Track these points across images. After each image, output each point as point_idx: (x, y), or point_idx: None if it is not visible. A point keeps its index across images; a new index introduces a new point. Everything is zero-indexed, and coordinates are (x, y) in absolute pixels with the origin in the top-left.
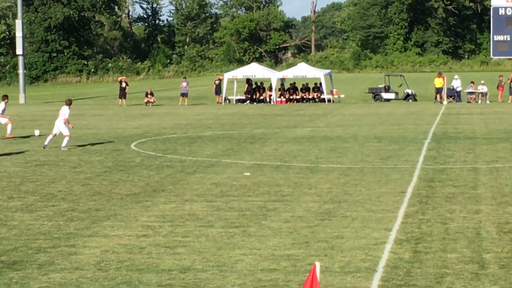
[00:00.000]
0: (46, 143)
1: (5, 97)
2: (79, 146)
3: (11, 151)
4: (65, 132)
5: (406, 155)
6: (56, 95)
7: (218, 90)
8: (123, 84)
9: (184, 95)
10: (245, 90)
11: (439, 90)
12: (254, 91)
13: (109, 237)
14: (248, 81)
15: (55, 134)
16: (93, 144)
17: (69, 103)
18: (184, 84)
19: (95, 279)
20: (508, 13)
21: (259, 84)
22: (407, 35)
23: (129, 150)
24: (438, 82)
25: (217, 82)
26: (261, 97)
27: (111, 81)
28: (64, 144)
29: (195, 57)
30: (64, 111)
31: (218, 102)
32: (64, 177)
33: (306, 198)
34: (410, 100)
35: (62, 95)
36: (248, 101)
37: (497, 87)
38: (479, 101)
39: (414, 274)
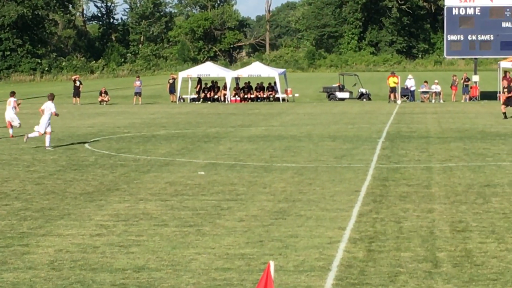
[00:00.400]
0: (27, 136)
1: (12, 93)
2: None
3: None
4: (48, 129)
5: (360, 154)
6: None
7: (172, 89)
8: (77, 83)
9: (137, 94)
10: (197, 89)
11: (393, 90)
12: (209, 89)
13: (62, 237)
14: (199, 80)
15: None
16: (56, 147)
17: (51, 98)
18: (138, 83)
19: (48, 279)
20: (462, 13)
21: (214, 82)
22: (361, 34)
23: (83, 149)
24: (392, 82)
25: (171, 81)
26: (216, 96)
27: (65, 79)
28: (47, 143)
29: (150, 56)
30: (49, 106)
31: (172, 101)
32: (18, 176)
33: (260, 197)
34: (364, 99)
35: (16, 94)
36: (201, 100)
37: (451, 87)
38: (433, 101)
39: (368, 273)
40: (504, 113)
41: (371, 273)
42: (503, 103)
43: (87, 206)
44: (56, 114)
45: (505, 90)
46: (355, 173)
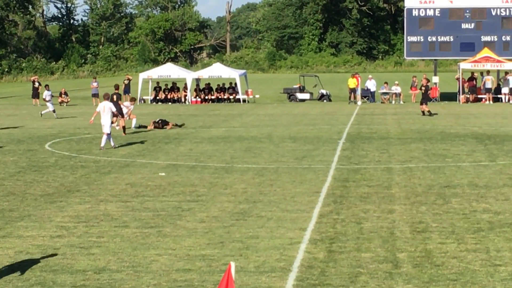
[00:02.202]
0: (102, 144)
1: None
2: None
3: None
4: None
5: (320, 155)
6: None
7: (127, 90)
8: (36, 84)
9: (95, 95)
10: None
11: (352, 90)
12: (170, 91)
13: (23, 238)
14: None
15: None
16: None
17: (107, 97)
18: (95, 84)
19: (8, 280)
20: (422, 14)
21: (174, 83)
22: (322, 35)
23: (43, 150)
24: (352, 83)
25: (126, 81)
26: (176, 97)
27: (25, 80)
28: (112, 143)
29: (110, 57)
30: (109, 105)
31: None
32: None
33: (221, 198)
34: (325, 101)
35: None
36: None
37: (411, 88)
38: (393, 102)
39: (329, 273)
40: (428, 111)
41: (331, 273)
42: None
43: (47, 207)
44: (116, 114)
45: (423, 88)
46: (315, 174)
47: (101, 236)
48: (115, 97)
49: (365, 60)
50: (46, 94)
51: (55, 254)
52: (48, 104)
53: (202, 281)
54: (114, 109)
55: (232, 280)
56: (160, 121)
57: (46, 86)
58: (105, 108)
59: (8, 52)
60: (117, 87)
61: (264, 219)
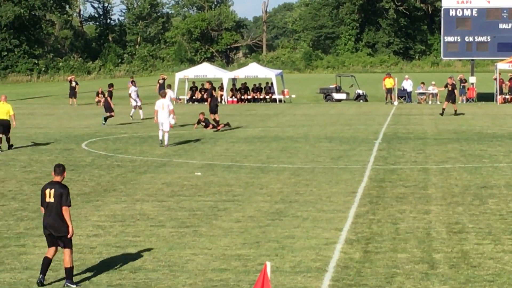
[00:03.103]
0: (166, 143)
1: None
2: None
3: None
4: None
5: (357, 155)
6: (7, 94)
7: (162, 90)
8: (73, 83)
9: (131, 95)
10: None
11: (389, 91)
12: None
13: None
14: (192, 87)
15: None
16: (35, 144)
17: (165, 95)
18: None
19: (45, 279)
20: (459, 14)
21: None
22: (358, 35)
23: (80, 149)
24: (389, 83)
25: (160, 81)
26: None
27: (62, 80)
28: (166, 142)
29: (146, 56)
30: (167, 103)
31: None
32: (14, 176)
33: (257, 198)
34: (361, 101)
35: (12, 94)
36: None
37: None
38: (430, 102)
39: (365, 274)
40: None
41: (367, 274)
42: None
43: (84, 206)
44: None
45: (449, 86)
46: (351, 174)
47: (137, 235)
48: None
49: (402, 60)
50: (132, 90)
51: (92, 253)
52: (132, 100)
53: (237, 280)
54: (171, 107)
55: (268, 280)
56: (206, 120)
57: (133, 82)
58: (163, 105)
59: (45, 52)
60: (111, 85)
61: (300, 219)
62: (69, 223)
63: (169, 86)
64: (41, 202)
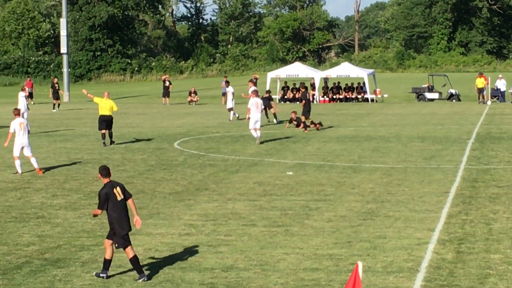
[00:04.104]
0: (258, 142)
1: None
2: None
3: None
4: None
5: (449, 155)
6: (100, 94)
7: (253, 89)
8: (167, 83)
9: (225, 94)
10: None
11: (480, 90)
12: (297, 90)
13: (152, 236)
14: (284, 87)
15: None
16: (137, 140)
17: (257, 94)
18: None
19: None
20: None
21: (302, 83)
22: (451, 34)
23: (172, 148)
24: (480, 82)
25: (253, 80)
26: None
27: (155, 80)
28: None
29: (238, 56)
30: (260, 102)
31: None
32: None
33: (348, 197)
34: (454, 100)
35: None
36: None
37: None
38: None
39: (457, 274)
40: None
41: (460, 274)
42: None
43: (176, 205)
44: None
45: None
46: (444, 174)
47: (229, 234)
48: None
49: (495, 59)
50: (228, 91)
51: (184, 252)
52: (229, 102)
53: (329, 280)
54: (262, 106)
55: (359, 279)
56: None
57: (227, 82)
58: (258, 104)
59: (138, 52)
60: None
61: (392, 219)
62: (135, 213)
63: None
64: (103, 205)
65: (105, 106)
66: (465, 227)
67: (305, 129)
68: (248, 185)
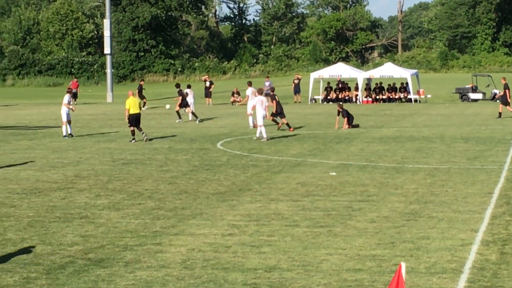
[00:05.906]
0: (264, 136)
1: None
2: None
3: (99, 148)
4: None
5: (493, 155)
6: (144, 94)
7: (297, 89)
8: (207, 83)
9: (266, 95)
10: (324, 92)
11: None
12: (341, 90)
13: (195, 236)
14: (327, 87)
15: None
16: (179, 137)
17: (261, 92)
18: (266, 84)
19: (181, 278)
20: None
21: (345, 83)
22: (495, 35)
23: (215, 149)
24: None
25: (296, 81)
26: (347, 97)
27: (198, 80)
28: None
29: (281, 56)
30: (263, 99)
31: (296, 102)
32: (151, 175)
33: (392, 198)
34: (498, 101)
35: (149, 94)
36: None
37: None
38: None
39: (501, 275)
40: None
41: (504, 276)
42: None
43: (219, 206)
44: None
45: None
46: (488, 175)
47: (272, 235)
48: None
49: None
50: (252, 90)
51: (227, 252)
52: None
53: (372, 281)
54: (266, 104)
55: (402, 280)
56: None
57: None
58: (263, 102)
59: (182, 52)
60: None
61: (435, 220)
62: None
63: (189, 86)
64: None
65: (134, 104)
66: (509, 228)
67: (291, 128)
68: (291, 185)
